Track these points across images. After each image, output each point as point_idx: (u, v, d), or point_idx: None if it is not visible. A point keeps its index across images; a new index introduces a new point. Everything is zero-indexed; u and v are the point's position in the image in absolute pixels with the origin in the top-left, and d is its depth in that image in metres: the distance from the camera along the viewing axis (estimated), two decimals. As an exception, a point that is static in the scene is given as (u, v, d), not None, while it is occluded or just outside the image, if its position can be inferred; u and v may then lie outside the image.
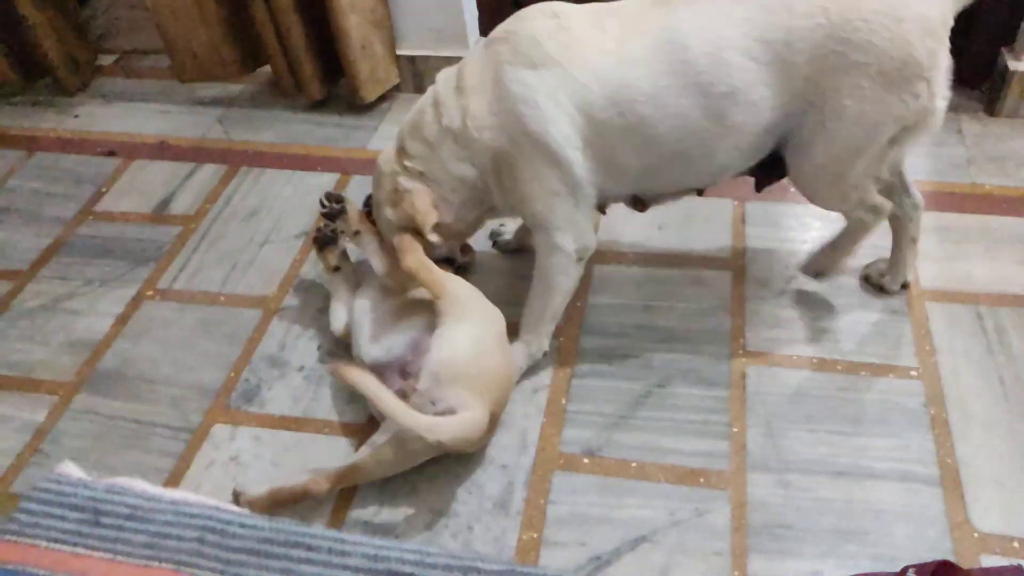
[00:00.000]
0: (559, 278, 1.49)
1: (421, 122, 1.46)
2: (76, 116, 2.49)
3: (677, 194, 1.54)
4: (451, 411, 1.31)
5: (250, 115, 2.40)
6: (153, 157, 2.29)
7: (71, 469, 1.20)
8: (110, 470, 1.51)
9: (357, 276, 1.67)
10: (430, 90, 1.48)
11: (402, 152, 1.49)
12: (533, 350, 1.56)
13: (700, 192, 1.58)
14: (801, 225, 1.83)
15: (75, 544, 1.19)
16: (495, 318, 1.45)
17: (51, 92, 2.58)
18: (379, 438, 1.38)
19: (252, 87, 2.51)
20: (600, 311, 1.69)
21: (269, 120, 2.37)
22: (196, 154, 2.28)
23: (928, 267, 1.70)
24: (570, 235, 1.44)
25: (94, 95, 2.58)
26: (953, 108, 2.05)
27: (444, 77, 1.47)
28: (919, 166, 1.94)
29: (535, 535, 1.34)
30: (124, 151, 2.32)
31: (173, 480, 1.49)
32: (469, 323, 1.39)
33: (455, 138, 1.41)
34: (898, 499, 1.33)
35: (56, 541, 1.20)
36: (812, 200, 1.51)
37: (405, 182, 1.47)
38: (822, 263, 1.66)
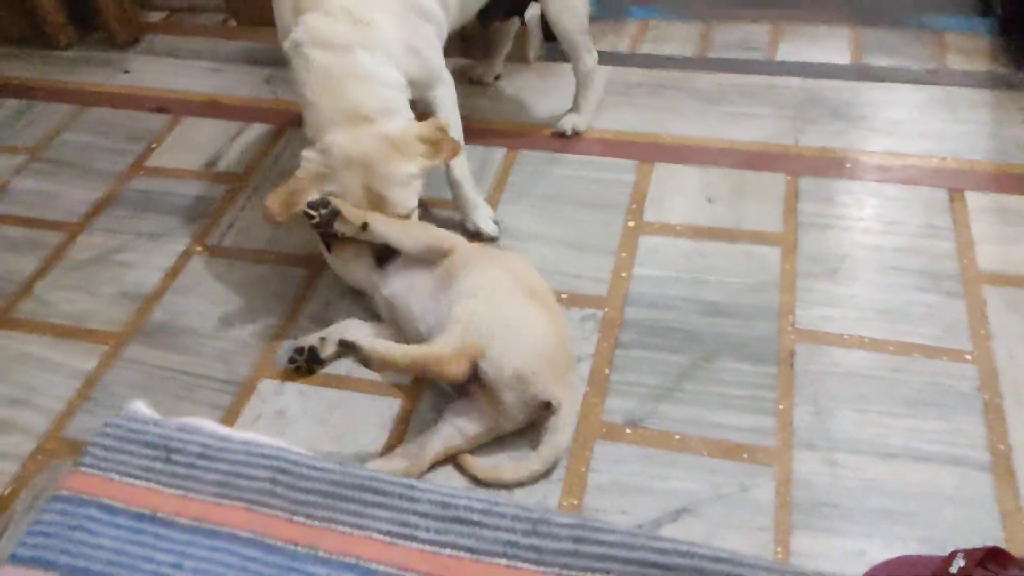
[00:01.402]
0: (454, 104, 1.73)
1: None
2: (127, 72, 2.51)
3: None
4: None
5: (299, 75, 2.39)
6: (202, 115, 2.31)
7: (141, 408, 1.22)
8: (159, 420, 1.55)
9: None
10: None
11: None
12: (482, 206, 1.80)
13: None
14: (856, 202, 1.79)
15: (147, 479, 1.20)
16: (508, 260, 1.53)
17: (103, 47, 2.61)
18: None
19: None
20: (646, 282, 1.68)
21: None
22: (245, 113, 2.29)
23: (986, 249, 1.65)
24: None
25: (144, 51, 2.59)
26: (1017, 86, 2.00)
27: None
28: (980, 146, 1.88)
29: (575, 501, 1.35)
30: (174, 108, 2.34)
31: (220, 432, 1.51)
32: (481, 269, 1.47)
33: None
34: (948, 483, 1.31)
35: (129, 475, 1.21)
36: (559, 30, 1.91)
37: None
38: (576, 121, 2.03)
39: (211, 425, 1.21)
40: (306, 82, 1.50)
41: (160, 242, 1.92)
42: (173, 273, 1.84)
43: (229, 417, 1.54)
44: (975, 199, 1.75)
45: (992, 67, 2.09)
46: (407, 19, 1.58)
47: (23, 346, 1.73)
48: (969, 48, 2.16)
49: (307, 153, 1.52)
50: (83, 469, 1.24)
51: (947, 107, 2.00)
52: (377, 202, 1.53)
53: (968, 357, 1.48)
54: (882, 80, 2.09)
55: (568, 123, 2.03)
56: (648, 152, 1.98)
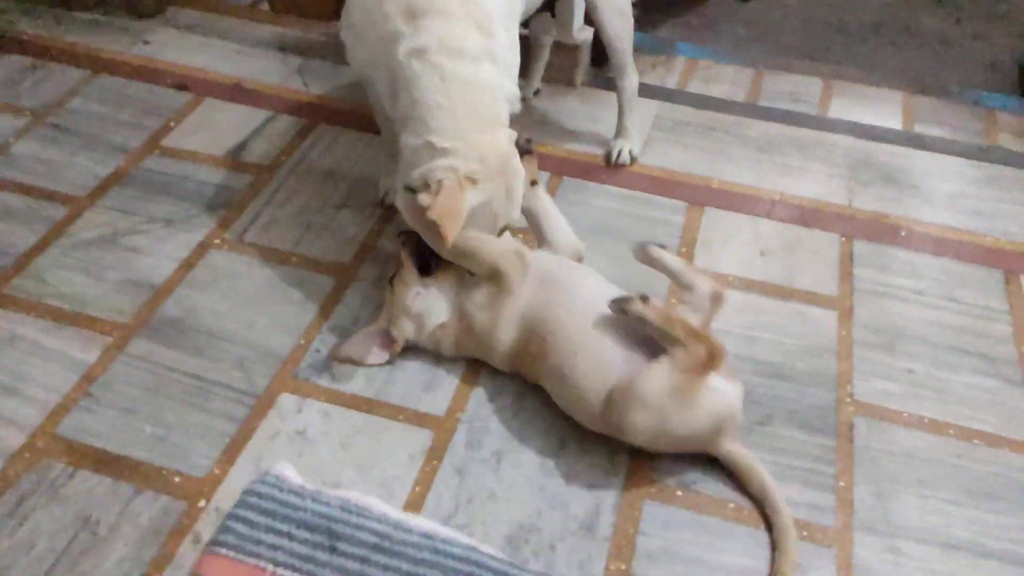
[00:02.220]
0: None
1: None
2: (146, 42, 2.36)
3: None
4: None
5: (332, 69, 2.28)
6: (227, 98, 2.17)
7: (289, 472, 0.99)
8: (166, 426, 1.41)
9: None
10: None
11: None
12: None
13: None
14: (912, 272, 1.74)
15: (310, 574, 0.94)
16: None
17: (123, 13, 2.46)
18: None
19: (335, 38, 2.39)
20: (697, 333, 1.60)
21: (348, 76, 2.25)
22: (272, 102, 2.16)
23: (1046, 338, 1.61)
24: None
25: (167, 23, 2.45)
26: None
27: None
28: (1035, 230, 1.85)
29: (623, 566, 1.25)
30: (196, 87, 2.20)
31: (234, 447, 1.38)
32: None
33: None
34: (1016, 585, 1.24)
35: (286, 567, 0.95)
36: (607, 34, 1.89)
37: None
38: (626, 146, 1.98)
39: (378, 504, 0.97)
40: (437, 89, 1.40)
41: (175, 229, 1.78)
42: (188, 265, 1.70)
43: (244, 431, 1.41)
44: (1032, 284, 1.71)
45: (1044, 151, 2.07)
46: (510, 31, 1.52)
47: (15, 327, 1.58)
48: (1021, 129, 2.14)
49: (446, 162, 1.38)
50: (224, 552, 0.99)
51: (1001, 186, 1.96)
52: (503, 210, 1.46)
53: (1031, 450, 1.42)
54: (935, 150, 2.05)
55: (619, 147, 1.96)
56: (698, 195, 1.91)
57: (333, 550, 0.87)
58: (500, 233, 1.48)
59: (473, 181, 1.38)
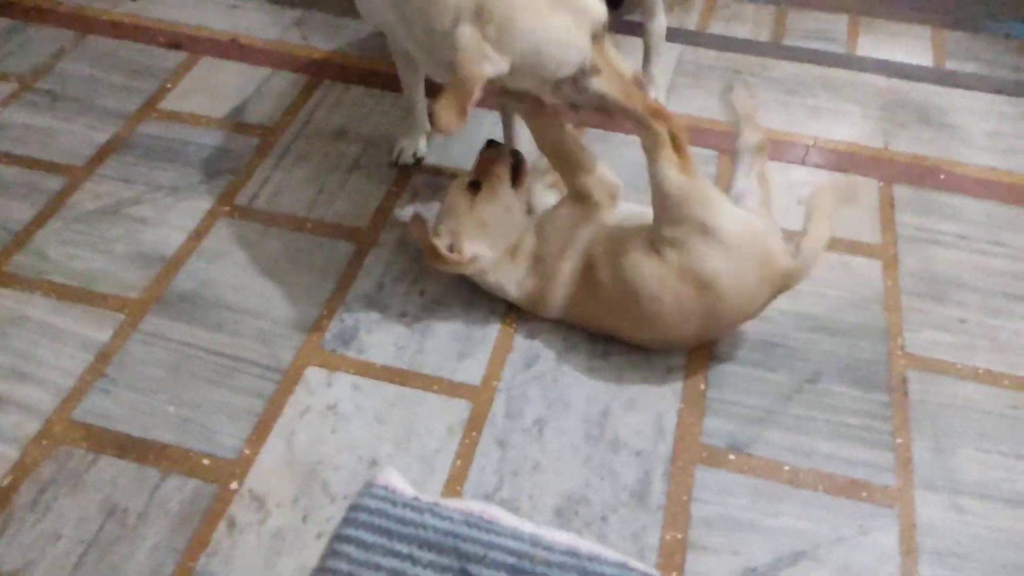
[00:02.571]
0: None
1: None
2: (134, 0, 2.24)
3: None
4: None
5: (333, 21, 2.16)
6: (223, 56, 2.06)
7: (397, 480, 0.87)
8: (190, 406, 1.35)
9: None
10: None
11: None
12: None
13: None
14: (956, 217, 1.66)
15: None
16: None
17: (107, -32, 2.32)
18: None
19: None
20: (736, 288, 1.53)
21: (351, 29, 2.14)
22: (272, 58, 2.05)
23: (1099, 281, 1.55)
24: None
25: (154, -22, 2.32)
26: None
27: None
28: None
29: (679, 536, 1.20)
30: (189, 45, 2.08)
31: (263, 425, 1.32)
32: None
33: None
34: (1087, 539, 1.20)
35: None
36: None
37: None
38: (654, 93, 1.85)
39: (506, 516, 0.83)
40: None
41: (180, 197, 1.69)
42: (197, 235, 1.62)
43: (272, 409, 1.34)
44: (1079, 224, 1.65)
45: (1082, 84, 1.98)
46: None
47: (20, 307, 1.50)
48: (1057, 61, 2.05)
49: (466, 29, 1.20)
50: None
51: (1041, 122, 1.89)
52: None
53: (1091, 398, 1.37)
54: (969, 87, 1.96)
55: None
56: (728, 142, 1.80)
57: (465, 574, 0.76)
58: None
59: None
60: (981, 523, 1.21)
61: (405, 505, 0.78)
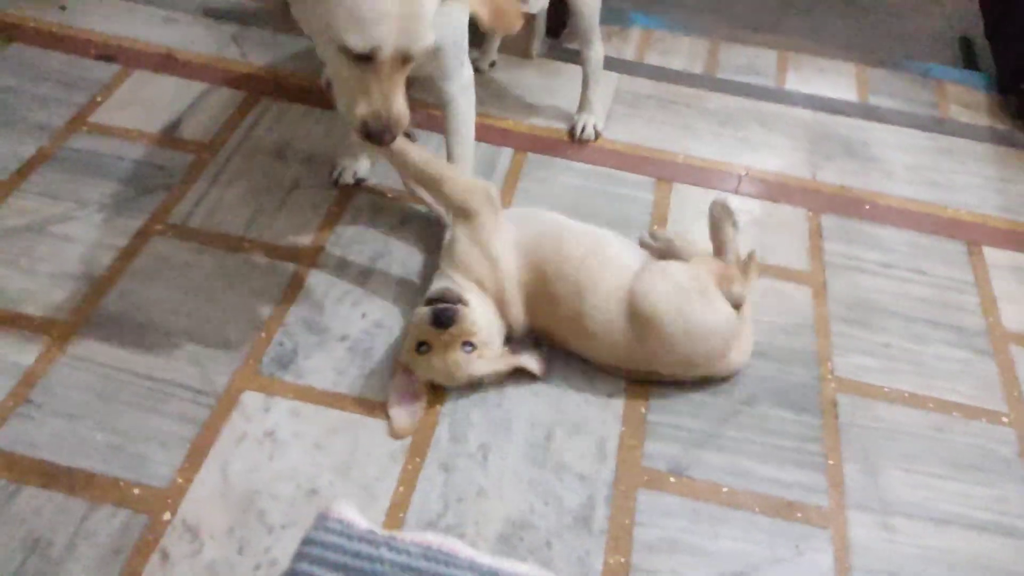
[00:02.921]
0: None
1: None
2: (63, 8, 2.16)
3: None
4: None
5: (271, 37, 2.13)
6: (157, 69, 2.00)
7: (351, 512, 0.83)
8: (119, 433, 1.29)
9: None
10: None
11: None
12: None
13: None
14: (879, 246, 1.74)
15: None
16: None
17: (33, -24, 2.24)
18: None
19: (272, 3, 2.24)
20: (675, 313, 1.56)
21: (291, 46, 2.12)
22: (208, 73, 2.01)
23: (1010, 308, 1.64)
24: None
25: (83, -13, 2.24)
26: (1020, 145, 2.02)
27: None
28: (991, 201, 1.88)
29: (622, 559, 1.21)
30: (122, 58, 2.02)
31: (197, 452, 1.28)
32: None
33: None
34: (1006, 555, 1.26)
35: None
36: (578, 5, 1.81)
37: None
38: (591, 120, 1.91)
39: (463, 548, 0.79)
40: None
41: (111, 215, 1.63)
42: (129, 254, 1.56)
43: (207, 435, 1.30)
44: (993, 255, 1.74)
45: (992, 122, 2.10)
46: None
47: (-65, 328, 1.42)
48: (969, 101, 2.18)
49: None
50: None
51: (956, 158, 1.99)
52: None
53: (1005, 420, 1.45)
54: (890, 123, 2.07)
55: (583, 121, 1.90)
56: (665, 170, 1.86)
57: None
58: None
59: None
60: (911, 542, 1.26)
61: (360, 539, 0.76)
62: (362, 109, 1.21)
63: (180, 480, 1.25)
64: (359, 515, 0.80)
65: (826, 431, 1.39)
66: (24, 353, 1.39)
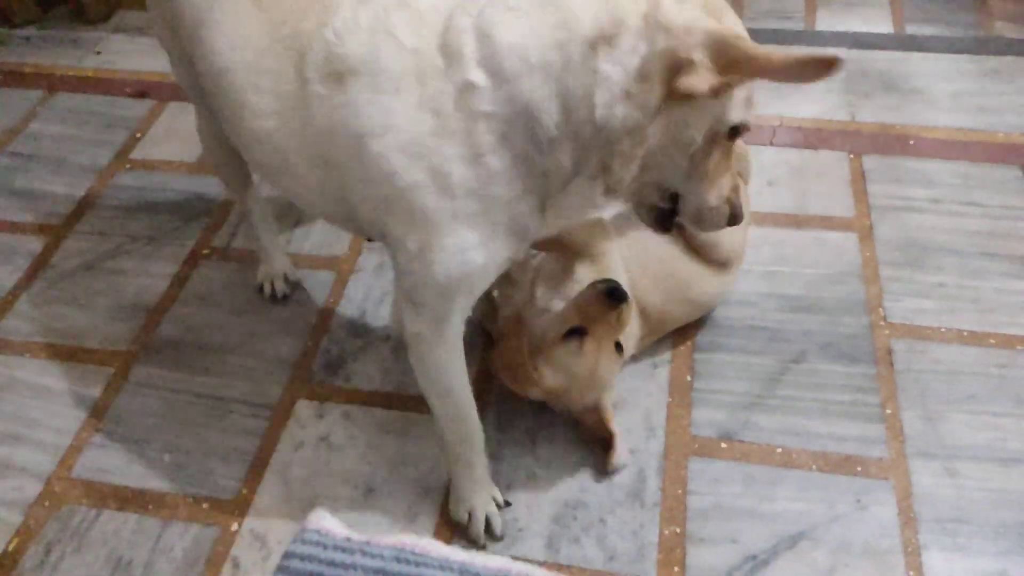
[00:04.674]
0: None
1: None
2: (98, 52, 2.25)
3: None
4: None
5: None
6: (188, 99, 2.07)
7: (329, 521, 0.87)
8: (184, 452, 1.36)
9: None
10: None
11: None
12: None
13: None
14: (927, 182, 1.67)
15: None
16: None
17: (69, 25, 2.34)
18: None
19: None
20: (715, 276, 1.54)
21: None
22: (238, 96, 2.06)
23: (1074, 230, 1.55)
24: None
25: (116, 29, 2.33)
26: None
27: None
28: (1046, 118, 1.78)
29: (677, 530, 1.21)
30: (156, 92, 2.10)
31: (259, 463, 1.33)
32: None
33: None
34: (1083, 491, 1.20)
35: None
36: None
37: None
38: None
39: (437, 547, 0.80)
40: None
41: (159, 245, 1.71)
42: (180, 281, 1.63)
43: (267, 446, 1.35)
44: (1051, 176, 1.65)
45: (1043, 34, 1.98)
46: None
47: (11, 371, 1.51)
48: (1016, 13, 2.05)
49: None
50: None
51: (1004, 78, 1.89)
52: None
53: (1076, 349, 1.38)
54: (930, 50, 1.97)
55: None
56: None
57: None
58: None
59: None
60: (976, 486, 1.22)
61: (336, 547, 0.77)
62: (727, 189, 0.99)
63: (245, 491, 1.30)
64: (338, 524, 0.81)
65: (882, 380, 1.35)
66: (91, 385, 1.47)
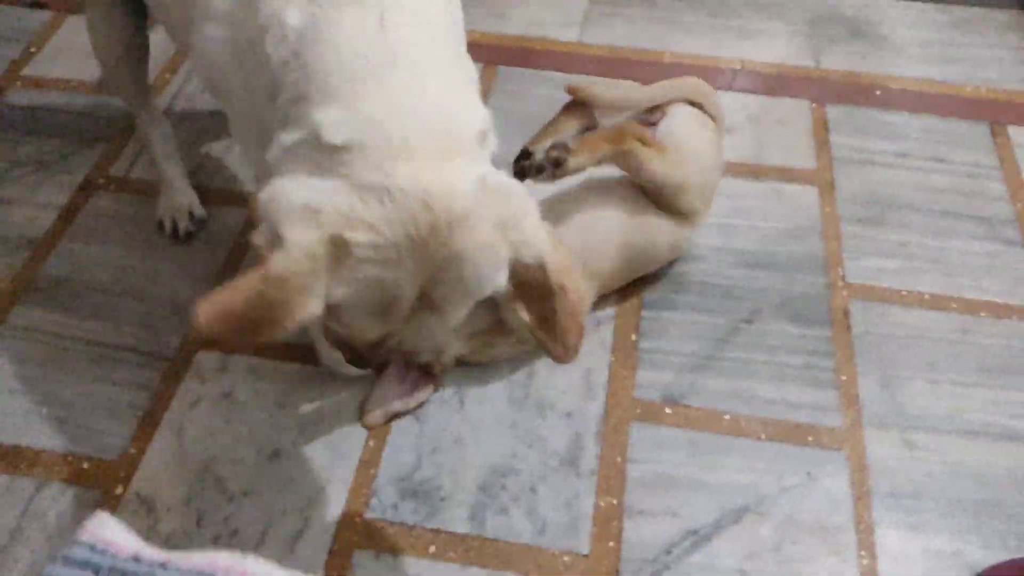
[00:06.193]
0: None
1: None
2: (-8, -44, 2.00)
3: None
4: None
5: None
6: None
7: (114, 531, 0.69)
8: (66, 405, 1.20)
9: None
10: None
11: None
12: None
13: None
14: (893, 134, 1.57)
15: None
16: None
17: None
18: None
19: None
20: (666, 227, 1.42)
21: None
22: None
23: (1041, 191, 1.47)
24: None
25: (13, -70, 2.08)
26: None
27: None
28: (1016, 74, 1.69)
29: (614, 501, 1.10)
30: (55, 2, 1.87)
31: (150, 419, 1.18)
32: None
33: None
34: (1044, 466, 1.13)
35: None
36: None
37: None
38: None
39: (259, 566, 0.66)
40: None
41: (50, 172, 1.51)
42: (70, 213, 1.44)
43: (160, 402, 1.20)
44: (1020, 135, 1.56)
45: (1016, -14, 1.89)
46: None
47: None
48: (989, -36, 1.95)
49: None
50: None
51: (975, 29, 1.79)
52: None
53: (1040, 316, 1.30)
54: (899, -4, 1.86)
55: None
56: (649, 72, 1.69)
57: None
58: None
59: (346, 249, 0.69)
60: (935, 458, 1.14)
61: (116, 570, 0.60)
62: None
63: (133, 450, 1.15)
64: (125, 532, 0.65)
65: (838, 344, 1.26)
66: (-38, 328, 1.29)
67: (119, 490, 1.12)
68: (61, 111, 1.62)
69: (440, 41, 0.80)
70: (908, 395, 1.20)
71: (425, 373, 1.16)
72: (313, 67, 0.74)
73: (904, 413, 1.18)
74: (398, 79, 0.73)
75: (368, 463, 1.14)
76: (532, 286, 0.77)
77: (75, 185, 1.48)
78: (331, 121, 0.70)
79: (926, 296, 1.32)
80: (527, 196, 0.78)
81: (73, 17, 1.82)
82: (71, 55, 1.74)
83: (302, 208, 0.68)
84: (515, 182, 0.78)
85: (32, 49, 1.76)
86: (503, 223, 0.73)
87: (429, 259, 0.71)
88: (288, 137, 0.73)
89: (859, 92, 1.65)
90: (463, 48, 0.86)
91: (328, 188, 0.69)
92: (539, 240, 0.76)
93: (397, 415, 1.16)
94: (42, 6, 1.86)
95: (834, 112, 1.61)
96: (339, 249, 0.68)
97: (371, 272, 0.70)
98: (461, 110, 0.76)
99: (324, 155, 0.70)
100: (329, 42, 0.75)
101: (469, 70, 0.85)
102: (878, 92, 1.65)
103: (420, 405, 1.16)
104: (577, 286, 0.80)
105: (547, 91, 1.66)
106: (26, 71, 1.71)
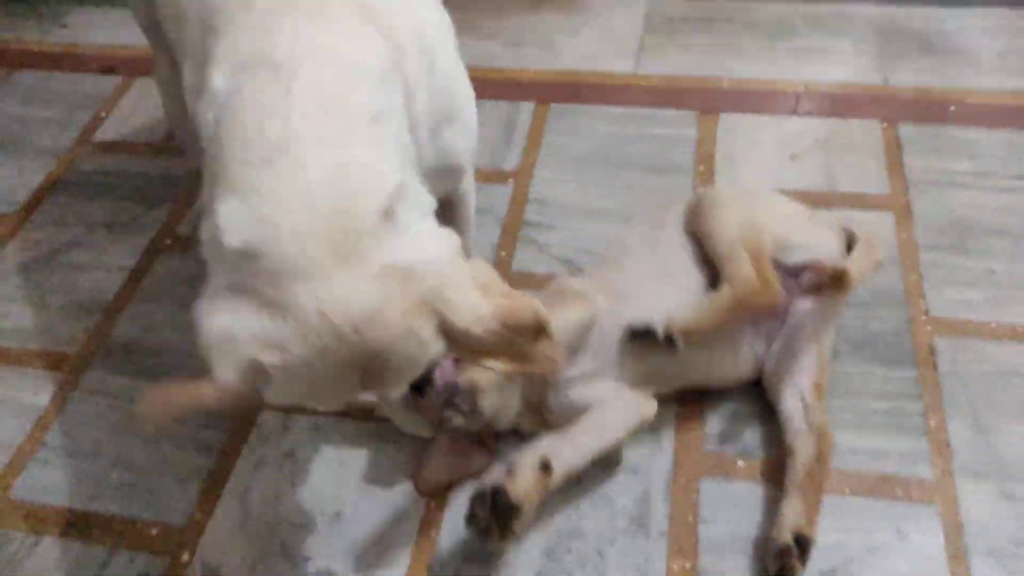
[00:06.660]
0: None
1: None
2: (64, 26, 2.09)
3: None
4: None
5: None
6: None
7: None
8: (135, 468, 1.21)
9: None
10: None
11: None
12: None
13: None
14: (971, 153, 1.47)
15: None
16: None
17: (32, -4, 2.18)
18: None
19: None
20: (731, 264, 1.36)
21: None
22: (211, 70, 1.89)
23: None
24: None
25: (83, 1, 2.17)
26: None
27: None
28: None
29: (687, 564, 1.04)
30: (124, 68, 1.93)
31: (215, 482, 1.19)
32: None
33: None
34: None
35: None
36: None
37: None
38: None
39: None
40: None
41: (119, 234, 1.56)
42: (138, 275, 1.48)
43: (224, 463, 1.21)
44: (1114, 145, 1.45)
45: (1103, -17, 1.77)
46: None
47: (-48, 377, 1.37)
48: (1071, -38, 1.84)
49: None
50: None
51: (1059, 34, 1.68)
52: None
53: None
54: (973, 4, 1.76)
55: None
56: (709, 101, 1.64)
57: None
58: None
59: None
60: (1038, 511, 1.05)
61: None
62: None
63: (198, 515, 1.16)
64: None
65: (924, 385, 1.17)
66: (39, 392, 1.33)
67: (185, 557, 1.12)
68: (129, 174, 1.67)
69: (353, 104, 0.77)
70: (1004, 440, 1.11)
71: (478, 443, 1.14)
72: (222, 143, 0.75)
73: (1000, 461, 1.09)
74: (293, 160, 0.72)
75: (429, 524, 1.11)
76: (481, 342, 0.76)
77: (143, 247, 1.52)
78: (229, 221, 0.71)
79: (1018, 328, 1.22)
80: (448, 256, 0.77)
81: (140, 80, 1.88)
82: (137, 119, 1.79)
83: (222, 337, 0.72)
84: (433, 244, 0.77)
85: (102, 114, 1.82)
86: (422, 301, 0.73)
87: (349, 361, 0.72)
88: (206, 229, 0.75)
89: (932, 109, 1.56)
90: (397, 101, 0.82)
91: (241, 308, 0.71)
92: (467, 304, 0.75)
93: (451, 484, 1.14)
94: (111, 71, 1.93)
95: (906, 132, 1.52)
96: (259, 374, 0.72)
97: (293, 385, 0.73)
98: (360, 187, 0.73)
99: (232, 259, 0.72)
100: (237, 115, 0.75)
101: (395, 129, 0.80)
102: (953, 108, 1.55)
103: (475, 474, 1.12)
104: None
105: (601, 126, 1.62)
106: (96, 136, 1.77)
